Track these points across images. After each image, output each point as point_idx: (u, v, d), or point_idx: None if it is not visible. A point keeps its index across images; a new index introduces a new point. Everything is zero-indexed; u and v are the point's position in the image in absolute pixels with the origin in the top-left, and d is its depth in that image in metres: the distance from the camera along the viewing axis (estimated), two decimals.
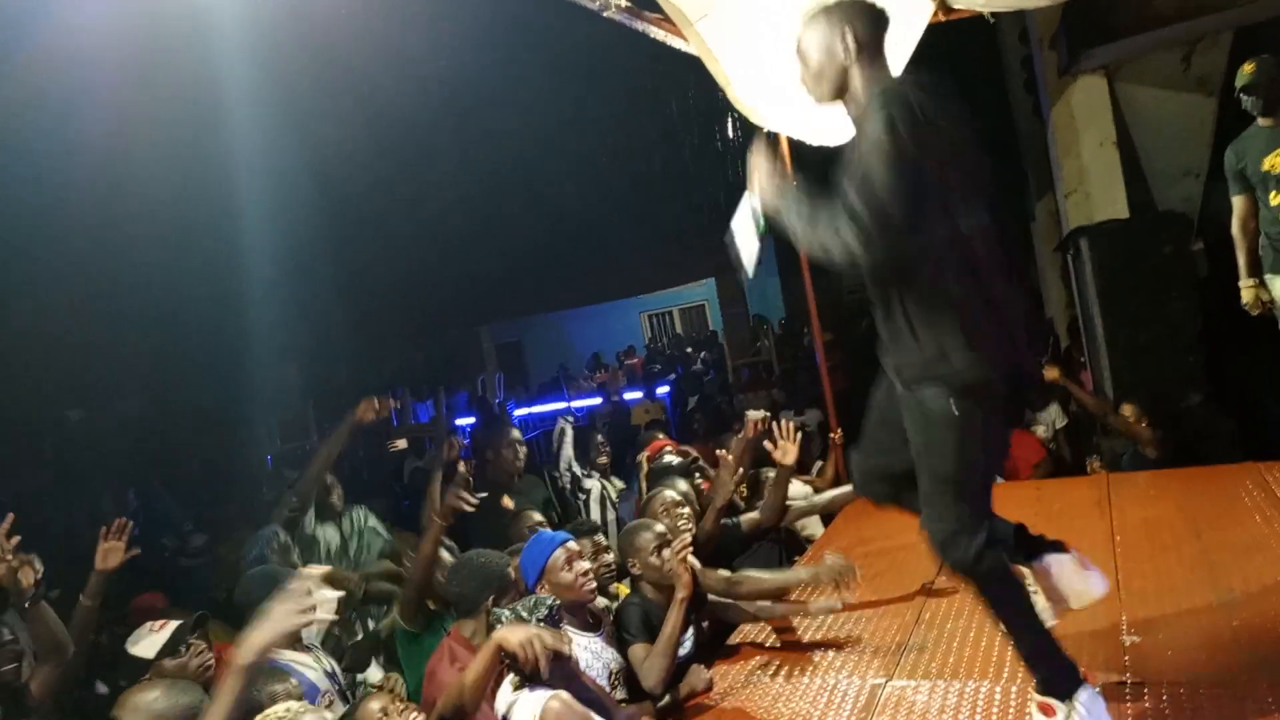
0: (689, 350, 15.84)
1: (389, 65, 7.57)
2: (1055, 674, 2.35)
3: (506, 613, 2.59)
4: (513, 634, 2.39)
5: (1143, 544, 3.77)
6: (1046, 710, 2.34)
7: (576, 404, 13.30)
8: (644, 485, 4.80)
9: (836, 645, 3.33)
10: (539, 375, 16.72)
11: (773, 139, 2.24)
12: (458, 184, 10.18)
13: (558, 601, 2.67)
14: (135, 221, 7.65)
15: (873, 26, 2.36)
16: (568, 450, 5.32)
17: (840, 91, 2.37)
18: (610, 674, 3.14)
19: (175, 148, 7.11)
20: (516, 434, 4.49)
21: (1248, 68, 4.15)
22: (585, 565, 3.17)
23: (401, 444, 9.88)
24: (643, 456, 5.11)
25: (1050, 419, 6.77)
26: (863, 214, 2.08)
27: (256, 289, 9.56)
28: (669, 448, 5.13)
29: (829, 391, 5.78)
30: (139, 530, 7.48)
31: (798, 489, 4.87)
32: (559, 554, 3.11)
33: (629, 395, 12.43)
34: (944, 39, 4.69)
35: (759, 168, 2.38)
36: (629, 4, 3.51)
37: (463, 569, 3.19)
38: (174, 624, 2.70)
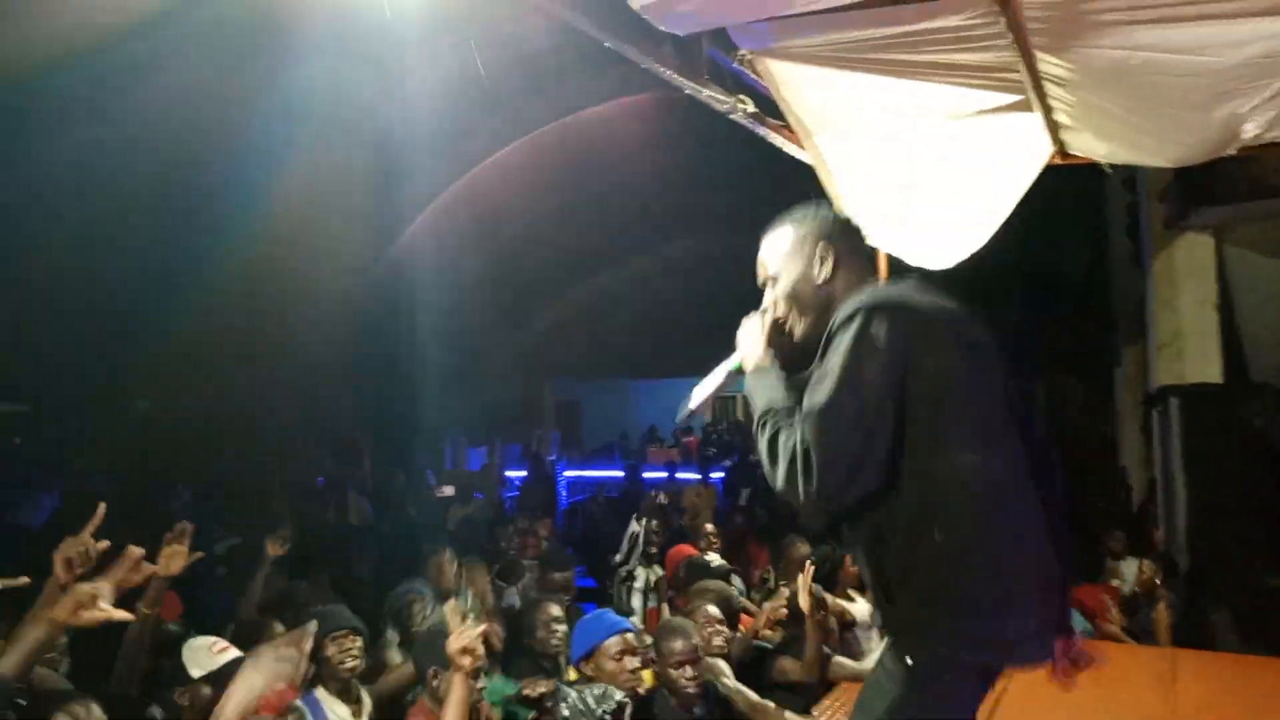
0: (748, 440, 15.73)
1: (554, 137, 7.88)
2: None
3: (573, 694, 2.59)
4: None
5: None
6: None
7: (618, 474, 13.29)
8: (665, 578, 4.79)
9: None
10: (593, 438, 16.76)
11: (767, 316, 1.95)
12: (556, 239, 10.37)
13: (627, 701, 2.65)
14: (241, 222, 7.91)
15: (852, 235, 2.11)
16: (636, 554, 5.33)
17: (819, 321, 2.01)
18: None
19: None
20: (555, 611, 4.07)
21: None
22: (635, 662, 3.10)
23: (448, 490, 9.89)
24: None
25: (1132, 574, 6.30)
26: (808, 450, 1.77)
27: (335, 306, 9.80)
28: (693, 556, 5.05)
29: None
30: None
31: (863, 609, 4.71)
32: (614, 641, 3.08)
33: (681, 475, 12.37)
34: (1047, 173, 4.66)
35: (749, 335, 2.14)
36: (755, 110, 3.59)
37: (416, 642, 3.18)
38: (233, 654, 2.66)
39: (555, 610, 3.86)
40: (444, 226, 9.44)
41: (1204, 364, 6.88)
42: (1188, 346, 6.99)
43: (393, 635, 4.16)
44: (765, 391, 1.97)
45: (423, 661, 2.97)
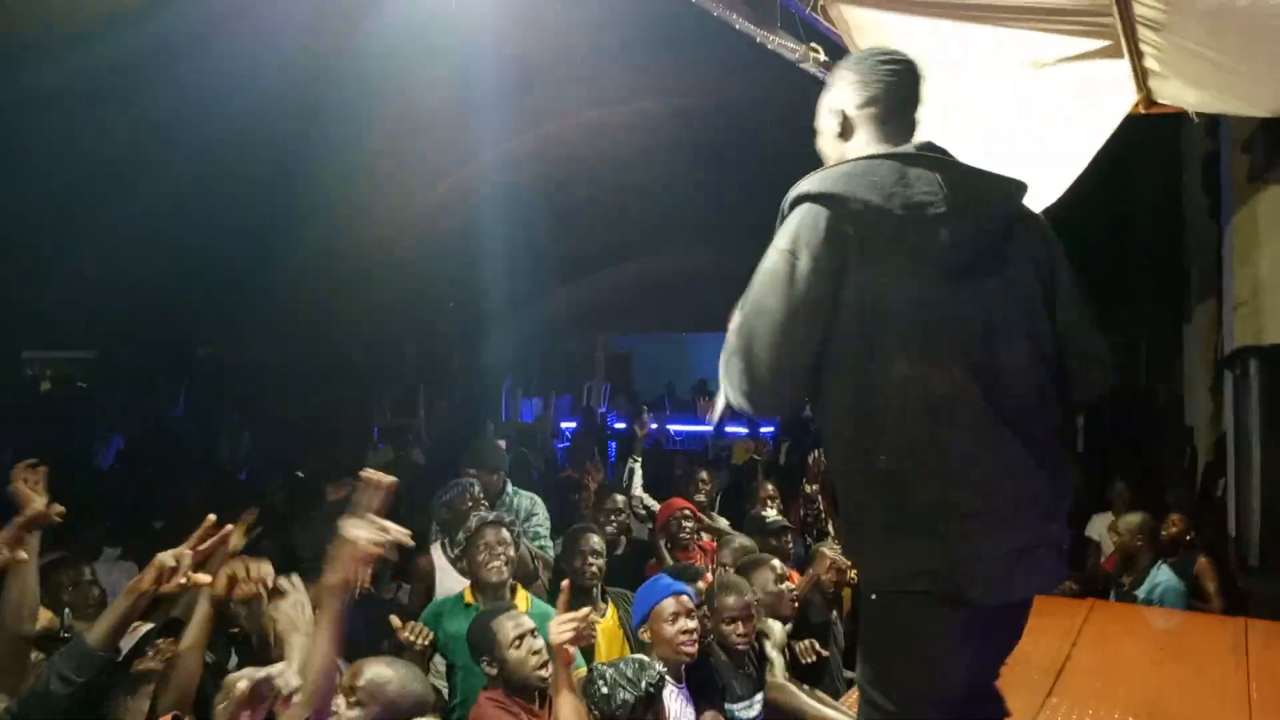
0: None
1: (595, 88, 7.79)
2: None
3: (609, 670, 2.57)
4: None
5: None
6: None
7: (676, 427, 13.28)
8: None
9: None
10: (645, 390, 16.77)
11: None
12: (612, 193, 10.27)
13: (665, 671, 2.64)
14: (296, 177, 7.94)
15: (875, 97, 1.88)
16: (636, 489, 5.40)
17: None
18: None
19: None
20: (595, 542, 3.87)
21: None
22: (691, 624, 3.07)
23: (502, 444, 9.93)
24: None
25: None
26: (739, 351, 1.69)
27: (392, 256, 9.84)
28: (686, 510, 4.88)
29: None
30: (247, 474, 7.85)
31: None
32: (669, 603, 3.05)
33: (730, 429, 12.33)
34: (1124, 121, 4.44)
35: None
36: (827, 59, 3.46)
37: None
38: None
39: (595, 541, 3.85)
40: (505, 181, 9.39)
41: None
42: (1268, 304, 6.70)
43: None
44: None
45: (478, 648, 2.94)
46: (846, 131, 1.90)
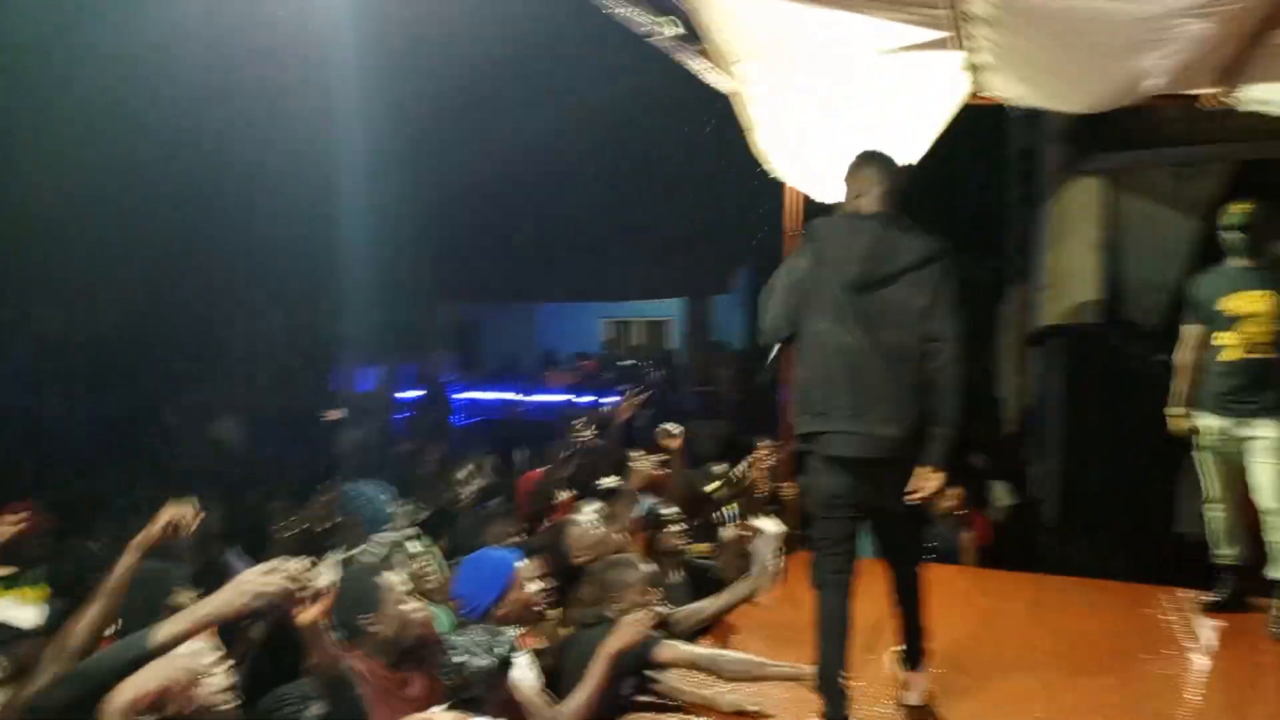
0: (646, 364, 15.73)
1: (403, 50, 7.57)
2: (830, 698, 2.98)
3: (461, 640, 2.52)
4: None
5: (1070, 656, 3.82)
6: None
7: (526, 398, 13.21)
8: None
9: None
10: (490, 361, 16.54)
11: None
12: (446, 162, 10.03)
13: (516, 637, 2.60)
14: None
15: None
16: None
17: None
18: None
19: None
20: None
21: (1236, 208, 4.14)
22: (542, 583, 3.16)
23: (336, 415, 9.56)
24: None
25: (999, 498, 6.41)
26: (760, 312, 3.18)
27: (218, 222, 9.28)
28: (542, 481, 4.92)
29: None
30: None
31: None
32: (521, 569, 3.08)
33: (581, 400, 12.37)
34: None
35: None
36: (679, 32, 3.45)
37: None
38: None
39: None
40: (348, 146, 9.01)
41: (1085, 305, 7.19)
42: (1071, 287, 7.28)
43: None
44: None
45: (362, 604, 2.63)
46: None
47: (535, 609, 3.14)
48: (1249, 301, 4.03)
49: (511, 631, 2.78)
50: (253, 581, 2.04)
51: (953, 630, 4.04)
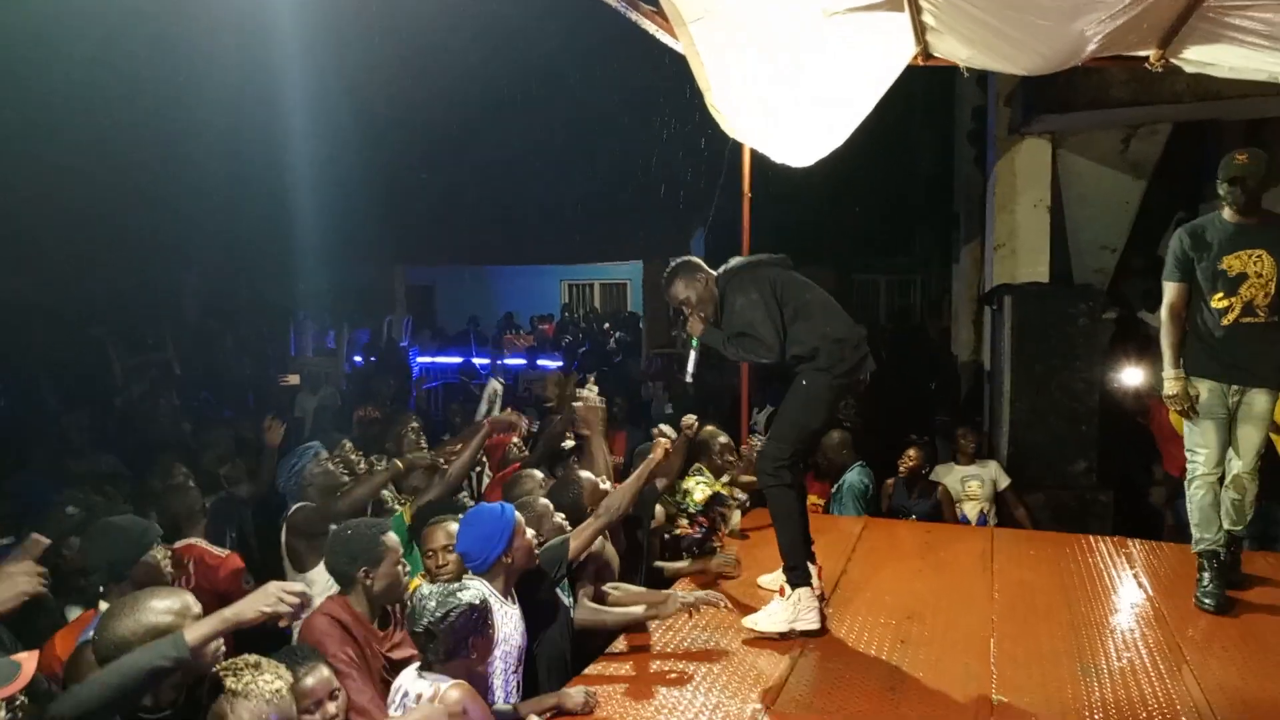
0: (605, 327, 15.74)
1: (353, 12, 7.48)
2: (796, 570, 3.61)
3: (435, 590, 2.62)
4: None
5: (1019, 606, 3.96)
6: (781, 591, 3.65)
7: (481, 361, 13.14)
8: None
9: (720, 663, 3.39)
10: (448, 324, 16.40)
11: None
12: (401, 124, 9.89)
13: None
14: None
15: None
16: (495, 410, 5.39)
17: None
18: (519, 652, 3.11)
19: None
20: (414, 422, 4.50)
21: (1241, 158, 3.74)
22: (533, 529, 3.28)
23: (294, 379, 9.47)
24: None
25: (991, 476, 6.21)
26: (763, 340, 3.65)
27: (172, 181, 9.07)
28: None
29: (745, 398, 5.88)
30: None
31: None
32: (520, 519, 3.15)
33: (542, 363, 12.37)
34: (903, 75, 4.71)
35: (694, 319, 3.85)
36: None
37: (333, 542, 3.07)
38: None
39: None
40: (300, 107, 8.85)
41: (1034, 264, 7.33)
42: (1021, 247, 7.41)
43: None
44: (717, 335, 3.82)
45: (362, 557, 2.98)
46: None
47: (533, 552, 3.22)
48: (1248, 262, 3.74)
49: (482, 584, 2.93)
50: (276, 592, 2.27)
51: (915, 584, 4.20)
